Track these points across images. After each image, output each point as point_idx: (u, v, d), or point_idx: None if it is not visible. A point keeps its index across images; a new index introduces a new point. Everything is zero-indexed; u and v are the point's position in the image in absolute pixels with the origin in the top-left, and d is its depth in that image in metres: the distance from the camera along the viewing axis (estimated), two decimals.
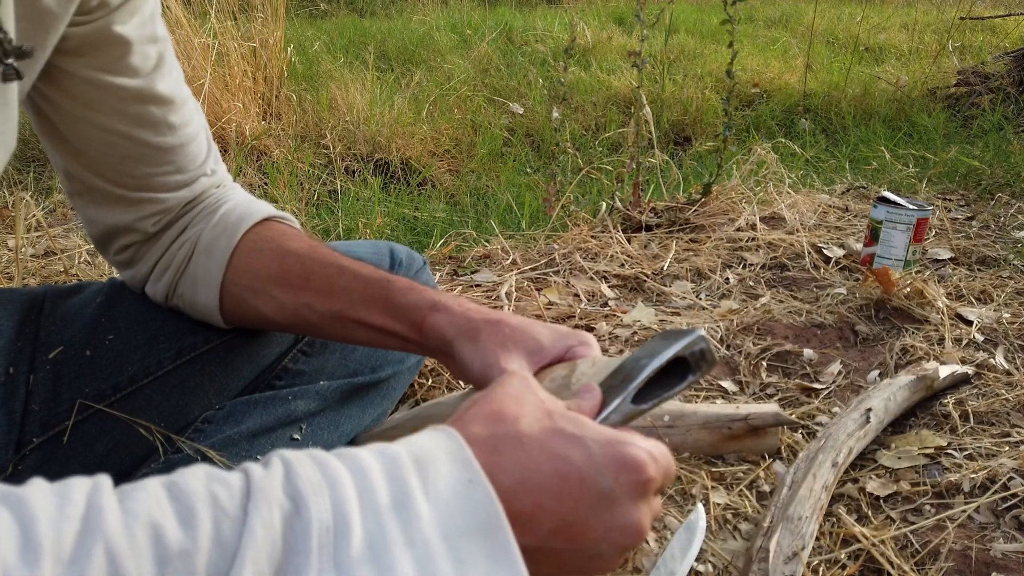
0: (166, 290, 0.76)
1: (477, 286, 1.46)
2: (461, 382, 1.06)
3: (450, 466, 0.35)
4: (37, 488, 0.29)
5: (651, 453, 0.42)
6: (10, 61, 0.55)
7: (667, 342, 0.51)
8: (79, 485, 0.30)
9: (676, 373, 0.51)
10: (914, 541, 0.82)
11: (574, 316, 1.33)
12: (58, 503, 0.29)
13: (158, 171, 0.72)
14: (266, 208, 0.77)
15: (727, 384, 1.14)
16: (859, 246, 1.65)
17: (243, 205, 0.76)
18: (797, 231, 1.74)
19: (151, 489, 0.31)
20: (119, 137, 0.69)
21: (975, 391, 1.10)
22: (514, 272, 1.52)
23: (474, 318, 0.63)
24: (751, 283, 1.51)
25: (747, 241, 1.70)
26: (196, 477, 0.32)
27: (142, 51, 0.67)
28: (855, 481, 0.92)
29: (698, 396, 1.11)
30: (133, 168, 0.70)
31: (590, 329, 1.30)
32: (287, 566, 0.31)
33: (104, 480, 0.31)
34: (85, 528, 0.28)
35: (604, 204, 1.92)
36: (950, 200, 2.09)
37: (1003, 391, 1.09)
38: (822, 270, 1.56)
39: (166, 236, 0.75)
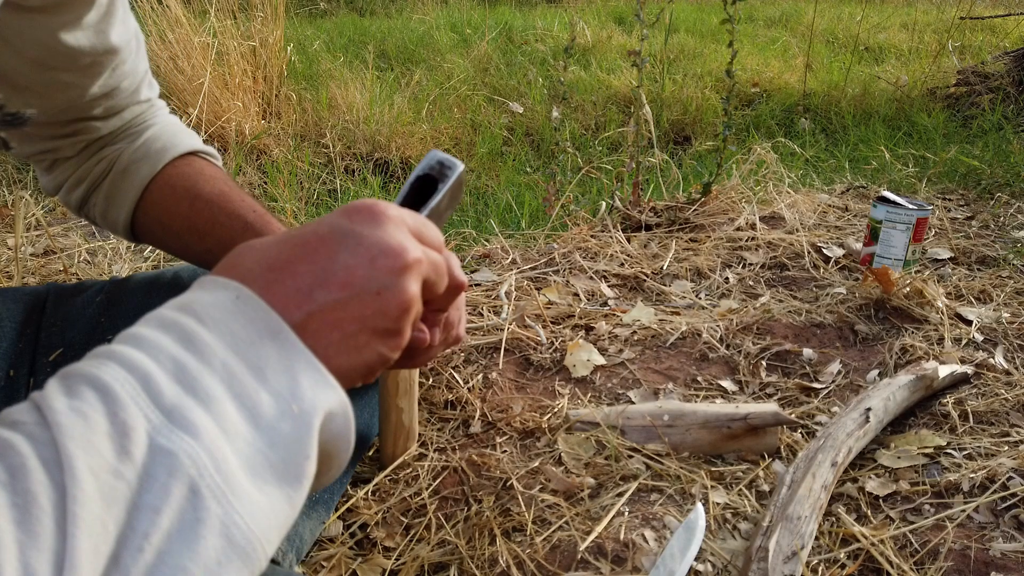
0: (79, 202, 0.78)
1: (477, 285, 1.46)
2: None
3: (212, 295, 0.36)
4: None
5: (364, 200, 0.43)
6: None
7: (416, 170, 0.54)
8: None
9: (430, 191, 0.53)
10: (913, 541, 0.82)
11: (574, 315, 1.33)
12: None
13: (93, 111, 0.72)
14: (189, 141, 0.77)
15: (727, 384, 1.15)
16: (859, 246, 1.65)
17: (167, 134, 0.77)
18: (797, 231, 1.74)
19: None
20: (62, 90, 0.69)
21: (974, 391, 1.10)
22: (514, 271, 1.52)
23: None
24: (751, 283, 1.51)
25: (747, 241, 1.70)
26: None
27: (100, 1, 0.66)
28: (854, 481, 0.92)
29: (698, 396, 1.11)
30: (72, 111, 0.71)
31: (590, 329, 1.30)
32: (114, 430, 0.30)
33: None
34: None
35: (604, 203, 1.92)
36: (950, 200, 2.09)
37: (1002, 391, 1.09)
38: (822, 270, 1.56)
39: (85, 153, 0.77)
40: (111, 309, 0.78)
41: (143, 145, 0.75)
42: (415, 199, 0.53)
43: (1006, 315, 1.32)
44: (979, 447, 0.96)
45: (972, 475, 0.90)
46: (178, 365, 0.33)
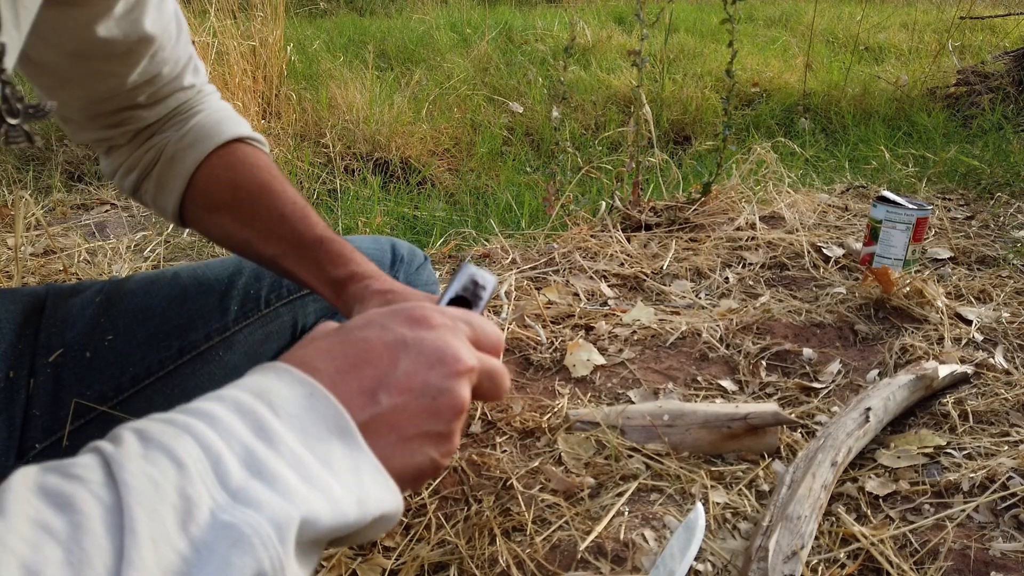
0: (132, 187, 0.80)
1: None
2: None
3: (288, 388, 0.38)
4: None
5: (422, 305, 0.46)
6: (16, 122, 0.54)
7: (451, 282, 0.56)
8: None
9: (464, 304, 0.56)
10: (913, 540, 0.82)
11: (573, 315, 1.33)
12: None
13: (137, 98, 0.74)
14: (234, 128, 0.78)
15: (727, 383, 1.15)
16: (859, 245, 1.65)
17: (212, 122, 0.78)
18: (797, 230, 1.74)
19: (13, 490, 0.30)
20: (102, 79, 0.70)
21: (974, 390, 1.10)
22: (514, 271, 1.52)
23: (372, 288, 0.67)
24: (750, 282, 1.51)
25: (747, 240, 1.70)
26: (51, 469, 0.32)
27: None
28: (854, 480, 0.92)
29: (698, 396, 1.11)
30: (116, 99, 0.73)
31: (589, 328, 1.30)
32: (181, 503, 0.31)
33: None
34: None
35: (604, 203, 1.92)
36: (950, 200, 2.09)
37: (1002, 390, 1.09)
38: (821, 269, 1.56)
39: (136, 141, 0.78)
40: (111, 309, 0.78)
41: (189, 133, 0.76)
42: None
43: (1006, 315, 1.32)
44: (979, 447, 0.96)
45: (972, 475, 0.90)
46: (248, 452, 0.34)
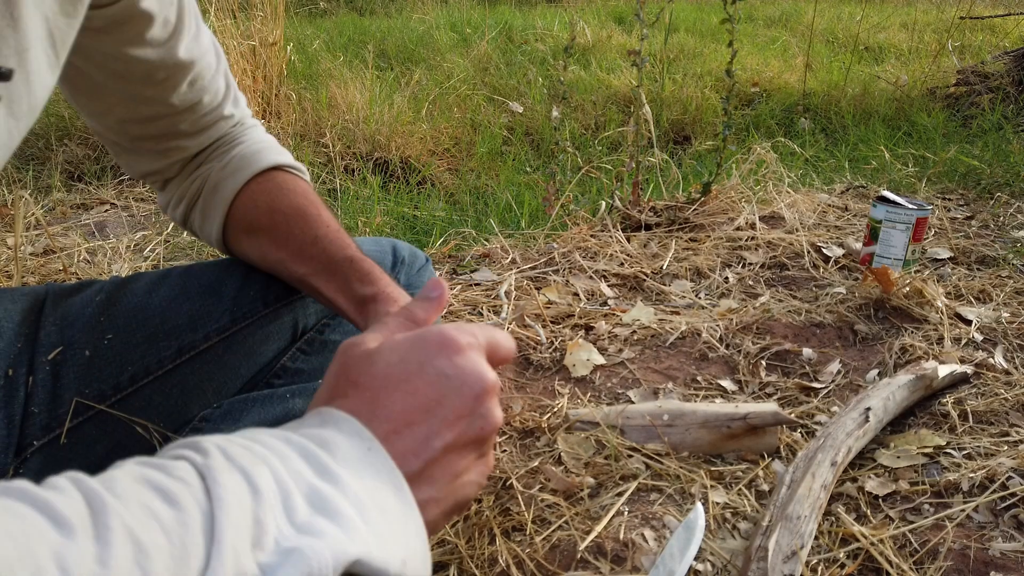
0: (182, 217, 0.84)
1: (476, 285, 1.46)
2: None
3: (347, 440, 0.40)
4: (24, 482, 0.30)
5: (442, 329, 0.47)
6: None
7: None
8: (59, 478, 0.31)
9: None
10: (913, 540, 0.82)
11: (573, 315, 1.33)
12: (54, 490, 0.30)
13: (180, 125, 0.77)
14: (274, 157, 0.82)
15: (726, 383, 1.15)
16: (858, 245, 1.65)
17: (251, 152, 0.82)
18: (796, 230, 1.74)
19: (122, 478, 0.32)
20: (144, 102, 0.73)
21: (974, 390, 1.10)
22: (513, 271, 1.52)
23: (391, 310, 0.68)
24: (750, 282, 1.51)
25: (746, 240, 1.70)
26: (152, 465, 0.34)
27: (163, 19, 0.70)
28: (854, 480, 0.92)
29: (697, 395, 1.11)
30: (160, 125, 0.76)
31: (589, 328, 1.30)
32: (255, 525, 0.33)
33: (78, 473, 0.32)
34: (93, 507, 0.29)
35: (604, 203, 1.92)
36: (949, 200, 2.09)
37: (1002, 390, 1.09)
38: (821, 269, 1.56)
39: (184, 171, 0.82)
40: (111, 308, 0.78)
41: (230, 163, 0.80)
42: None
43: (1006, 315, 1.32)
44: (979, 447, 0.96)
45: (972, 475, 0.90)
46: (313, 490, 0.36)
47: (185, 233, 1.86)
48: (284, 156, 0.83)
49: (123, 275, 0.85)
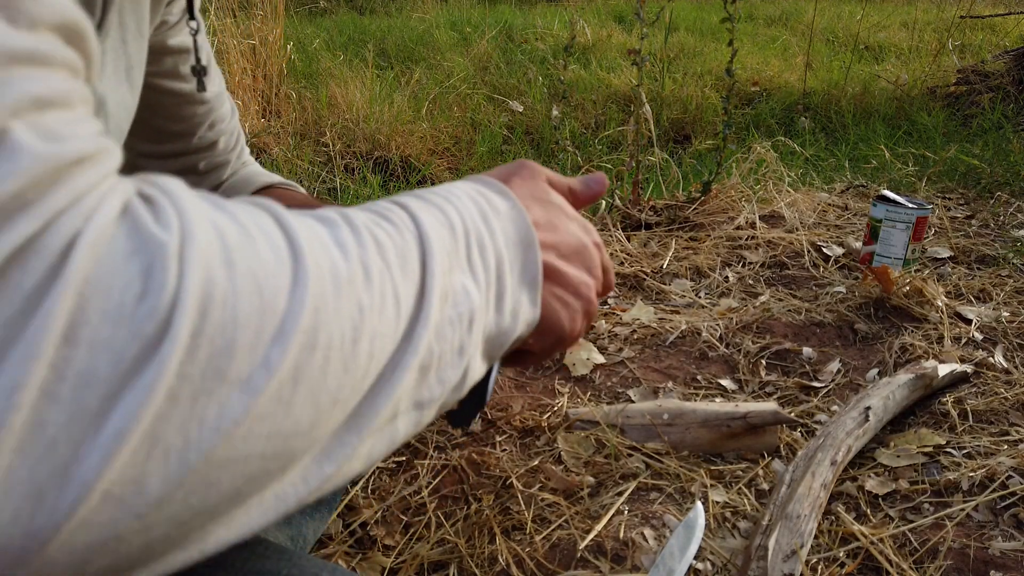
0: None
1: None
2: None
3: (499, 197, 0.44)
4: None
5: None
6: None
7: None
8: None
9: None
10: (913, 539, 0.82)
11: None
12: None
13: (198, 164, 0.79)
14: (267, 178, 0.84)
15: (726, 382, 1.15)
16: (858, 245, 1.65)
17: (251, 174, 0.84)
18: (796, 229, 1.74)
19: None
20: (168, 139, 0.75)
21: (974, 390, 1.10)
22: None
23: None
24: (750, 281, 1.51)
25: (746, 239, 1.70)
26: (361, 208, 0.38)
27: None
28: (854, 479, 0.92)
29: (697, 395, 1.11)
30: (178, 160, 0.78)
31: (590, 327, 1.30)
32: (452, 253, 0.37)
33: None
34: (341, 212, 0.34)
35: (604, 202, 1.92)
36: (949, 199, 2.09)
37: (1002, 390, 1.09)
38: (821, 268, 1.56)
39: None
40: None
41: (229, 187, 0.83)
42: None
43: (1006, 314, 1.32)
44: (978, 446, 0.96)
45: (971, 474, 0.90)
46: (478, 233, 0.40)
47: None
48: (279, 178, 0.86)
49: None
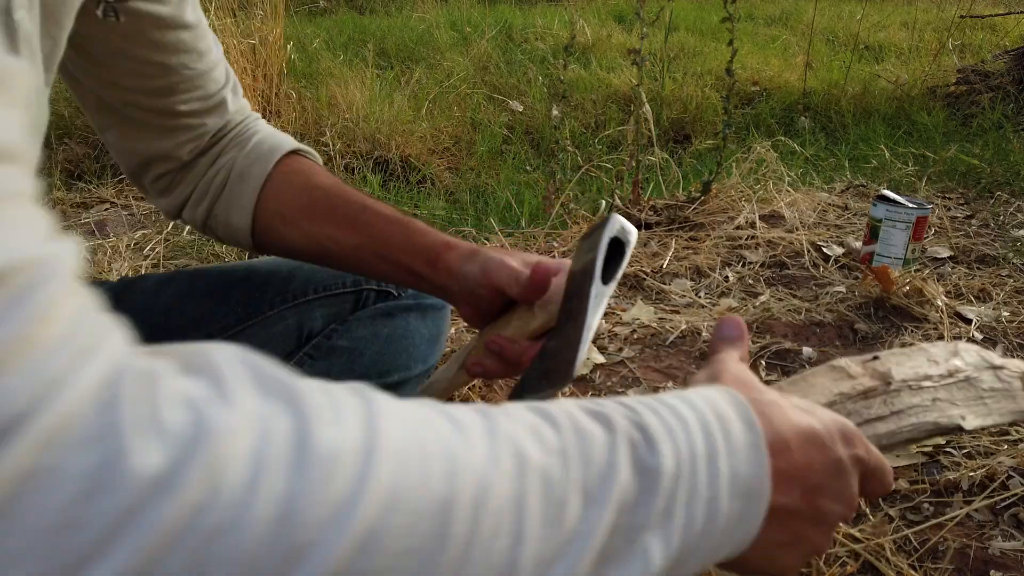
0: (204, 215, 0.80)
1: None
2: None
3: (741, 427, 0.37)
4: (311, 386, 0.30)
5: (846, 424, 0.43)
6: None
7: (595, 237, 0.60)
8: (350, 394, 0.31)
9: (614, 254, 0.61)
10: (913, 540, 0.82)
11: None
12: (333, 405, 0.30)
13: (190, 97, 0.75)
14: (292, 141, 0.81)
15: None
16: (858, 244, 1.65)
17: (272, 136, 0.81)
18: (796, 229, 1.74)
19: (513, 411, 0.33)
20: (155, 67, 0.71)
21: None
22: None
23: (476, 248, 0.70)
24: (750, 281, 1.51)
25: (746, 239, 1.70)
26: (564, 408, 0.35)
27: None
28: None
29: None
30: (168, 96, 0.73)
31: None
32: (635, 505, 0.33)
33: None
34: (485, 414, 0.31)
35: (604, 202, 1.92)
36: (949, 199, 2.09)
37: None
38: (821, 268, 1.56)
39: (201, 163, 0.79)
40: (116, 307, 0.78)
41: (252, 149, 0.79)
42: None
43: (1006, 314, 1.32)
44: (978, 446, 0.97)
45: (971, 474, 0.91)
46: (694, 474, 0.35)
47: (185, 231, 1.86)
48: (298, 143, 0.83)
49: (124, 274, 0.85)
